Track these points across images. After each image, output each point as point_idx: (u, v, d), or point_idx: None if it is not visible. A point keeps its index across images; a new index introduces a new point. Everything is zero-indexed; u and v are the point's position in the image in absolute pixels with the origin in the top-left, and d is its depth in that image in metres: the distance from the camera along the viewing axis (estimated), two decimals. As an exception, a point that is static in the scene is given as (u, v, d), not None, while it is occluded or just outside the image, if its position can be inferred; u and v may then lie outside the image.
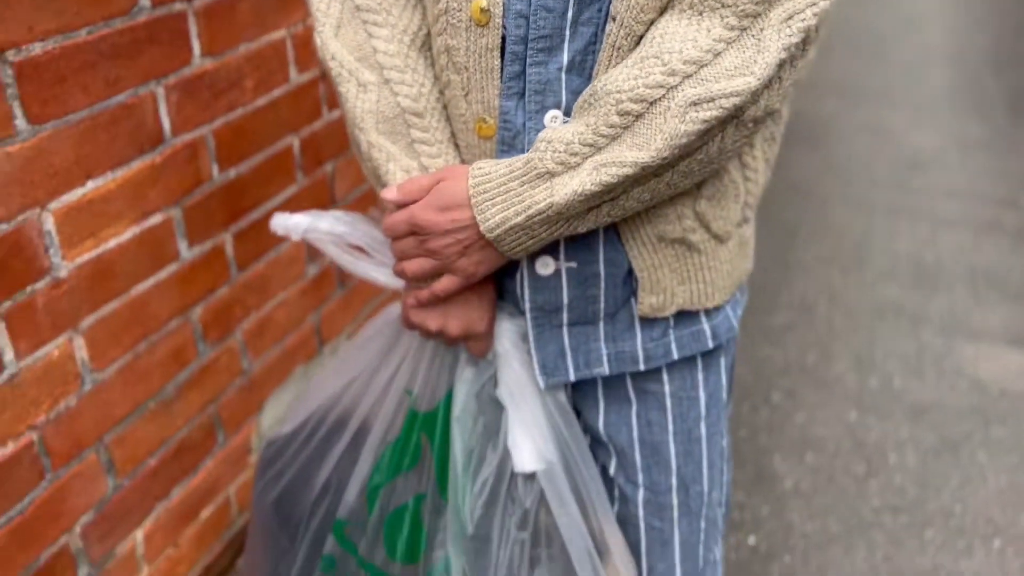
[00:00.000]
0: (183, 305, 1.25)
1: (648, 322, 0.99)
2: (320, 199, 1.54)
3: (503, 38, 0.87)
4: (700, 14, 0.80)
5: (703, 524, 1.12)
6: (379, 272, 1.02)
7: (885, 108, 4.41)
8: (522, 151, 0.91)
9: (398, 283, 1.02)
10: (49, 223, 1.02)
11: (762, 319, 2.70)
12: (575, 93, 0.88)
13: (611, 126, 0.82)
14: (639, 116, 0.81)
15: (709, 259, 1.00)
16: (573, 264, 0.95)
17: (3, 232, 0.96)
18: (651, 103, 0.81)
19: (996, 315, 2.73)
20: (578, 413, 1.11)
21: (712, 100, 0.80)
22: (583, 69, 0.87)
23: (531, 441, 0.99)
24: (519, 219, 0.87)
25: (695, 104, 0.80)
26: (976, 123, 4.23)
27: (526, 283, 0.96)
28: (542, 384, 1.01)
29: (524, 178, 0.87)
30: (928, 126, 4.20)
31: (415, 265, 0.95)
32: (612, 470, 1.10)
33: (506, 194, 0.87)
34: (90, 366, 1.11)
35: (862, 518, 1.99)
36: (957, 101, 4.51)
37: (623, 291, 0.97)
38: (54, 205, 1.02)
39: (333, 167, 1.58)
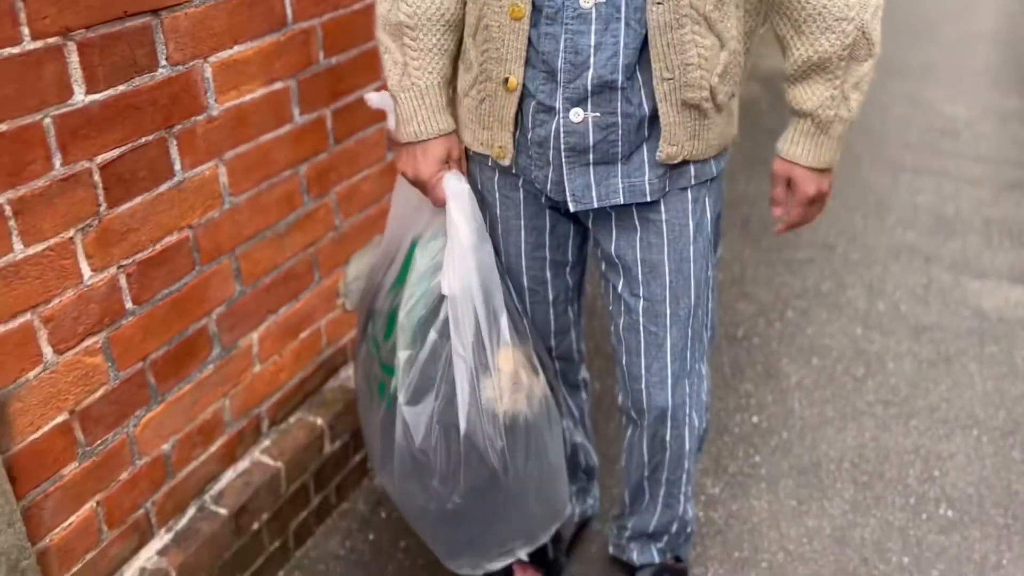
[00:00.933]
0: (294, 160, 1.61)
1: (654, 165, 1.32)
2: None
3: None
4: None
5: (689, 333, 1.44)
6: None
7: (927, 82, 4.63)
8: (562, 25, 1.22)
9: None
10: (208, 72, 1.38)
11: (786, 254, 2.99)
12: None
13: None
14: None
15: (711, 122, 1.32)
16: (597, 114, 1.28)
17: (180, 72, 1.33)
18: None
19: (1004, 258, 2.98)
20: (596, 242, 1.44)
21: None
22: None
23: (451, 273, 1.33)
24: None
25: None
26: (1015, 97, 4.43)
27: (562, 129, 1.29)
28: (572, 208, 1.34)
29: None
30: (966, 99, 4.41)
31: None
32: (620, 287, 1.43)
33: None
34: (229, 190, 1.48)
35: (856, 408, 2.29)
36: (999, 77, 4.71)
37: (636, 138, 1.30)
38: (212, 59, 1.38)
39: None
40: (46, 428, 1.25)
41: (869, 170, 3.61)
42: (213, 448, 1.59)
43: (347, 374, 1.91)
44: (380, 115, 1.78)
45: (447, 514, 1.41)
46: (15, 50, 1.09)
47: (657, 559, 1.69)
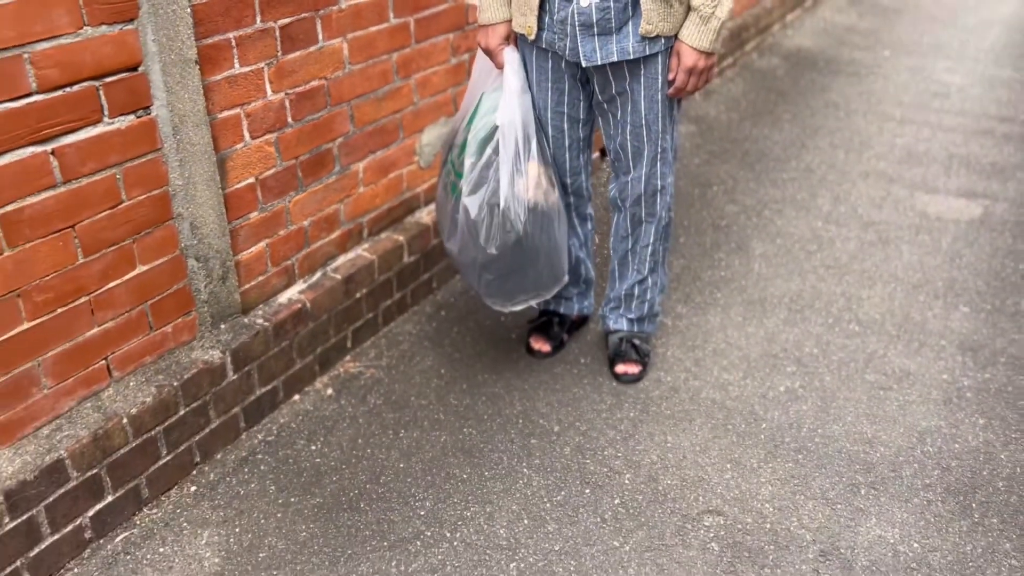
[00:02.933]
0: (388, 48, 2.45)
1: (637, 36, 2.11)
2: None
3: None
4: None
5: (658, 150, 2.23)
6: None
7: (933, 58, 5.31)
8: None
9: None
10: (340, -19, 2.25)
11: (772, 175, 3.74)
12: None
13: None
14: None
15: (674, 11, 2.09)
16: (599, 1, 2.08)
17: (324, -21, 2.20)
18: None
19: (957, 181, 3.68)
20: (600, 92, 2.22)
21: None
22: None
23: (503, 110, 2.14)
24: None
25: None
26: (1010, 70, 5.08)
27: (576, 10, 2.09)
28: (584, 63, 2.12)
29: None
30: (965, 70, 5.08)
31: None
32: (618, 115, 2.22)
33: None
34: (348, 60, 2.33)
35: (803, 269, 3.04)
36: (1001, 54, 5.36)
37: (623, 17, 2.08)
38: (343, -27, 2.25)
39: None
40: (243, 184, 2.12)
41: (861, 120, 4.34)
42: (332, 236, 2.45)
43: (420, 215, 2.76)
44: (448, 26, 2.63)
45: (488, 262, 2.22)
46: (241, -47, 1.97)
47: (625, 327, 2.49)
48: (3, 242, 1.66)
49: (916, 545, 1.97)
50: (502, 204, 2.17)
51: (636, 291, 2.46)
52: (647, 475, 2.15)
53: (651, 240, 2.37)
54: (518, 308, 2.35)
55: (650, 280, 2.44)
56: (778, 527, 2.01)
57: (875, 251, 3.15)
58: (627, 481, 2.14)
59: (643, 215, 2.33)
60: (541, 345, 2.57)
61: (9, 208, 1.65)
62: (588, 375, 2.50)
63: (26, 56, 1.60)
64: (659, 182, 2.27)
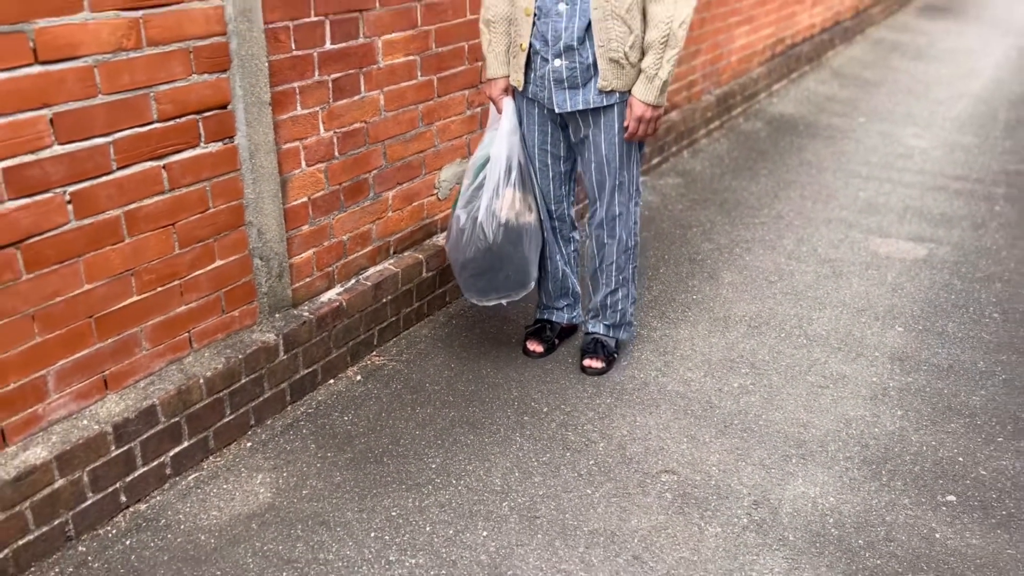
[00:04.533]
0: (415, 100, 3.03)
1: (596, 90, 2.69)
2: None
3: None
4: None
5: (617, 182, 2.79)
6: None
7: (903, 125, 5.91)
8: (550, 18, 2.63)
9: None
10: (379, 44, 2.84)
11: (746, 219, 4.30)
12: None
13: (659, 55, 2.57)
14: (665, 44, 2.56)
15: (625, 71, 2.68)
16: (567, 62, 2.67)
17: (367, 42, 2.79)
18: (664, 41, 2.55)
19: (909, 228, 4.23)
20: (573, 133, 2.79)
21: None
22: None
23: (495, 145, 2.72)
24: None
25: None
26: (971, 136, 5.67)
27: (551, 69, 2.68)
28: (557, 110, 2.71)
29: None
30: (930, 136, 5.68)
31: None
32: (586, 153, 2.79)
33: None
34: (384, 108, 2.91)
35: (763, 295, 3.56)
36: (966, 122, 5.96)
37: (586, 75, 2.67)
38: (383, 37, 2.85)
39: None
40: (298, 201, 2.69)
41: (830, 177, 4.91)
42: (365, 250, 3.01)
43: (437, 238, 3.32)
44: (465, 84, 3.23)
45: (466, 262, 2.78)
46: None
47: (601, 331, 3.02)
48: (125, 232, 2.22)
49: (832, 499, 2.46)
50: (480, 217, 2.73)
51: (608, 301, 2.99)
52: (617, 444, 2.66)
53: (615, 258, 2.91)
54: (490, 303, 2.91)
55: (620, 293, 2.98)
56: (721, 484, 2.51)
57: (828, 282, 3.68)
58: (600, 448, 2.64)
59: (605, 237, 2.88)
60: (535, 346, 3.10)
61: (132, 206, 2.21)
62: (574, 371, 3.02)
63: (152, 94, 2.18)
64: (617, 209, 2.82)
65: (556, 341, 3.14)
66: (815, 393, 2.92)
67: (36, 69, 1.91)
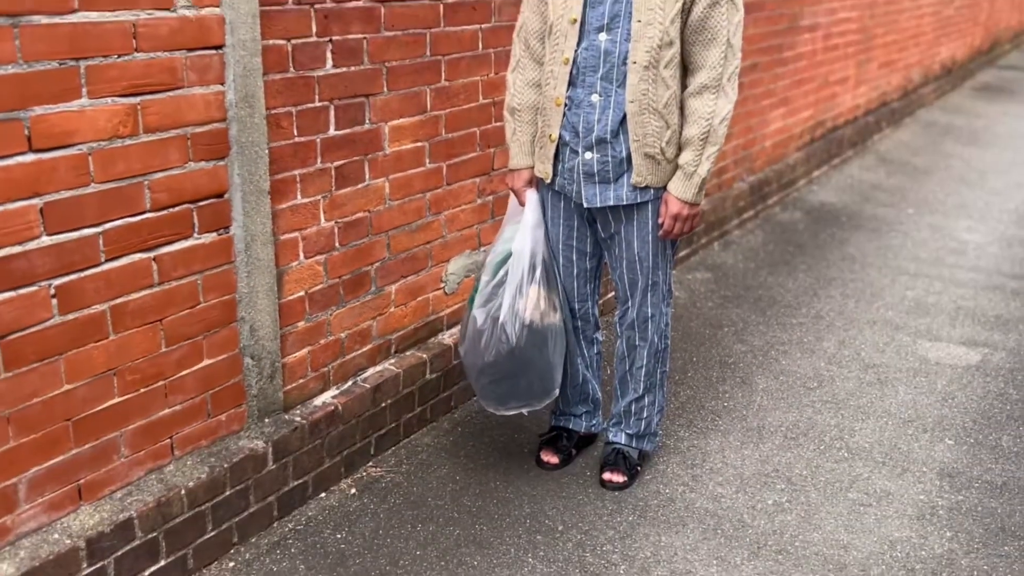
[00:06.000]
0: (423, 188, 3.19)
1: (630, 186, 2.83)
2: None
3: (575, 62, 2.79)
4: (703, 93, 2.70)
5: (650, 283, 2.91)
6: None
7: (955, 217, 6.05)
8: (581, 110, 2.78)
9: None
10: (386, 130, 3.00)
11: (783, 319, 4.40)
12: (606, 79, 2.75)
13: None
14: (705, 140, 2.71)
15: (661, 167, 2.83)
16: (599, 155, 2.81)
17: (373, 128, 2.95)
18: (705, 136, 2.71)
19: (961, 331, 4.32)
20: (602, 229, 2.91)
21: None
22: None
23: (518, 239, 2.86)
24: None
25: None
26: (1030, 230, 5.80)
27: (581, 162, 2.82)
28: (587, 205, 2.84)
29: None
30: (985, 230, 5.81)
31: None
32: (616, 251, 2.91)
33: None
34: (389, 197, 3.06)
35: (801, 403, 3.63)
36: (1022, 215, 6.09)
37: (619, 170, 2.81)
38: (390, 123, 3.01)
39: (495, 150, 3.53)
40: (295, 296, 2.80)
41: (875, 273, 5.03)
42: (365, 349, 3.11)
43: (443, 336, 3.42)
44: (475, 171, 3.38)
45: (484, 367, 2.87)
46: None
47: (623, 441, 3.09)
48: (111, 328, 2.33)
49: (878, 633, 2.49)
50: (501, 318, 2.83)
51: (633, 408, 3.07)
52: (640, 567, 2.70)
53: (645, 362, 3.00)
54: (510, 413, 2.99)
55: (647, 399, 3.05)
56: (754, 614, 2.54)
57: (872, 390, 3.75)
58: (622, 572, 2.68)
59: (637, 339, 2.97)
60: (550, 457, 3.17)
61: (119, 301, 2.33)
62: (593, 485, 3.08)
63: (146, 183, 2.32)
64: (650, 310, 2.93)
65: (573, 451, 3.21)
66: (857, 512, 2.96)
67: (29, 157, 2.06)
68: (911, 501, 3.02)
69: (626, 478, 3.05)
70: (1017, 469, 3.22)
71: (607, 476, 3.06)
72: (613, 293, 4.34)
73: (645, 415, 3.08)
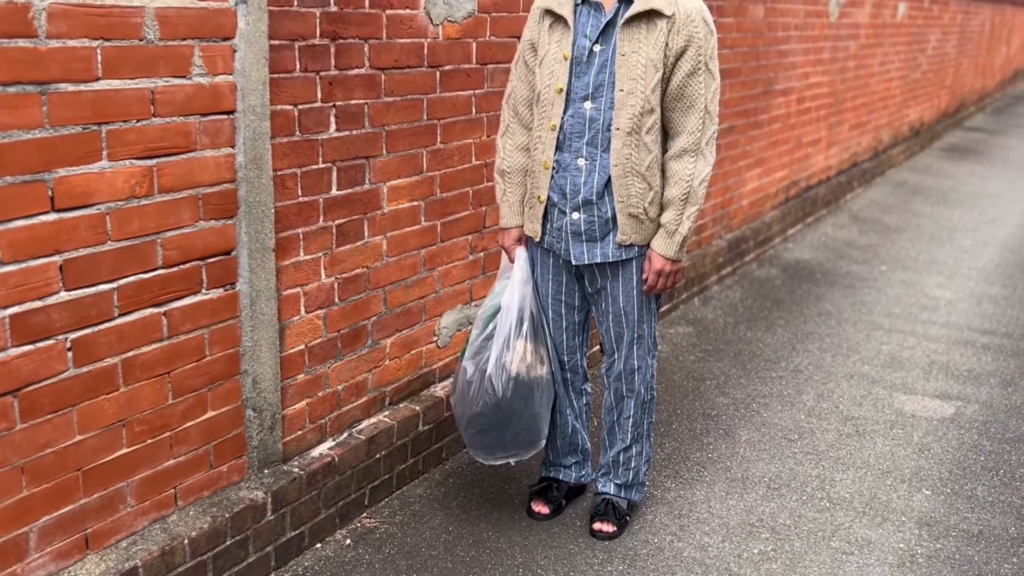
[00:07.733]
0: (418, 245, 3.30)
1: (615, 244, 2.95)
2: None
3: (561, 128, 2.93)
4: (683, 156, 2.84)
5: (636, 335, 3.02)
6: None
7: (927, 274, 6.23)
8: (569, 173, 2.91)
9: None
10: (385, 190, 3.12)
11: (763, 373, 4.51)
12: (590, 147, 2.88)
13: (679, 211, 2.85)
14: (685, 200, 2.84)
15: (644, 225, 2.96)
16: (585, 216, 2.93)
17: (372, 188, 3.07)
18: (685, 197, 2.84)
19: (936, 385, 4.45)
20: (588, 284, 3.03)
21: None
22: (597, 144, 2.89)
23: (507, 295, 2.97)
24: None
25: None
26: (999, 287, 5.98)
27: (568, 222, 2.95)
28: (575, 262, 2.96)
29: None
30: (955, 286, 5.98)
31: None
32: (602, 305, 3.02)
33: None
34: (386, 254, 3.17)
35: (783, 454, 3.73)
36: (992, 272, 6.28)
37: (605, 229, 2.94)
38: (388, 183, 3.12)
39: (486, 209, 3.65)
40: (295, 349, 2.89)
41: (851, 328, 5.16)
42: (360, 401, 3.19)
43: (435, 389, 3.50)
44: (468, 229, 3.50)
45: (472, 417, 2.97)
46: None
47: (612, 491, 3.17)
48: (121, 380, 2.40)
49: (862, 678, 2.56)
50: (489, 370, 2.93)
51: (622, 458, 3.16)
52: (630, 615, 2.77)
53: (632, 413, 3.10)
54: (498, 463, 3.07)
55: (634, 449, 3.15)
56: (743, 660, 2.61)
57: (851, 441, 3.86)
58: (612, 620, 2.75)
59: (624, 390, 3.08)
60: (541, 508, 3.24)
61: (130, 354, 2.41)
62: (583, 535, 3.15)
63: (159, 240, 2.41)
64: (636, 362, 3.03)
65: (563, 502, 3.28)
66: (840, 560, 3.05)
67: (52, 217, 2.15)
68: (891, 549, 3.12)
69: (615, 528, 3.13)
70: (992, 518, 3.33)
71: (597, 526, 3.14)
72: (599, 346, 4.46)
73: (633, 465, 3.17)
